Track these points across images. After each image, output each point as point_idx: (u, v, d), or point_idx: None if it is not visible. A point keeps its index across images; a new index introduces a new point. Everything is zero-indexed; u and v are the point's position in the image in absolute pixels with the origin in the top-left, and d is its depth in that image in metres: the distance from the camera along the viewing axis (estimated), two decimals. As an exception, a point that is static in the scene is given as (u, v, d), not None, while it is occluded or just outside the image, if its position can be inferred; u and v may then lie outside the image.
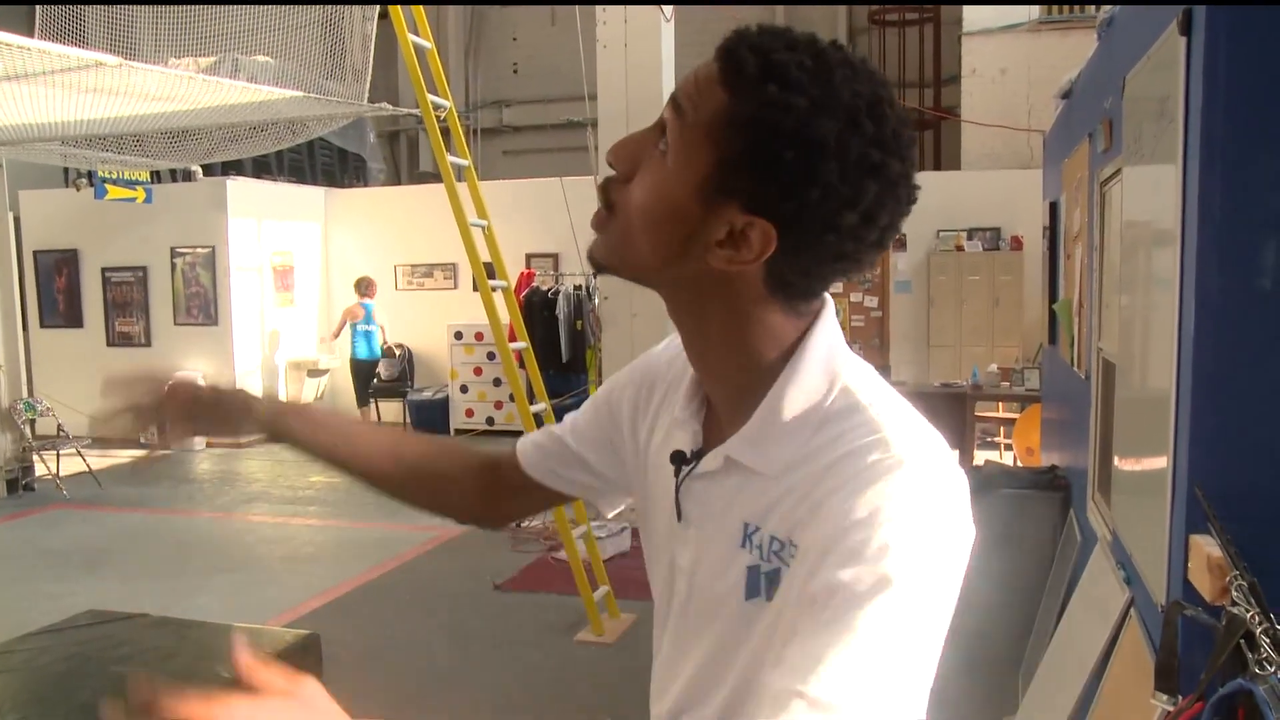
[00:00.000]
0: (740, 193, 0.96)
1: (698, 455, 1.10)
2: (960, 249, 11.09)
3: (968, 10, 12.62)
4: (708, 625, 1.10)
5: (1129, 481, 2.86)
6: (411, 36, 5.17)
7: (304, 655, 4.70)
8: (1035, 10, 12.09)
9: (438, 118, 5.26)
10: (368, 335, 11.74)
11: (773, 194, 0.95)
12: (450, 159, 5.25)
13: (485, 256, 5.47)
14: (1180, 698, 1.84)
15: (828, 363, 1.04)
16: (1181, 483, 2.16)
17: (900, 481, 0.93)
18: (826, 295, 1.07)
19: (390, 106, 6.42)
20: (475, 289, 12.02)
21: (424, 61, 5.30)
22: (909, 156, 0.98)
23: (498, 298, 5.41)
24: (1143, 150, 2.67)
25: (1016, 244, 10.94)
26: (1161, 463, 2.31)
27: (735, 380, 1.07)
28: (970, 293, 10.97)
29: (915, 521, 0.92)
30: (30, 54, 4.42)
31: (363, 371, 11.84)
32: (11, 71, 4.68)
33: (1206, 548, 1.98)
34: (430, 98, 5.23)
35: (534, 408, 5.34)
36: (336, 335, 11.97)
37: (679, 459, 1.11)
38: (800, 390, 1.02)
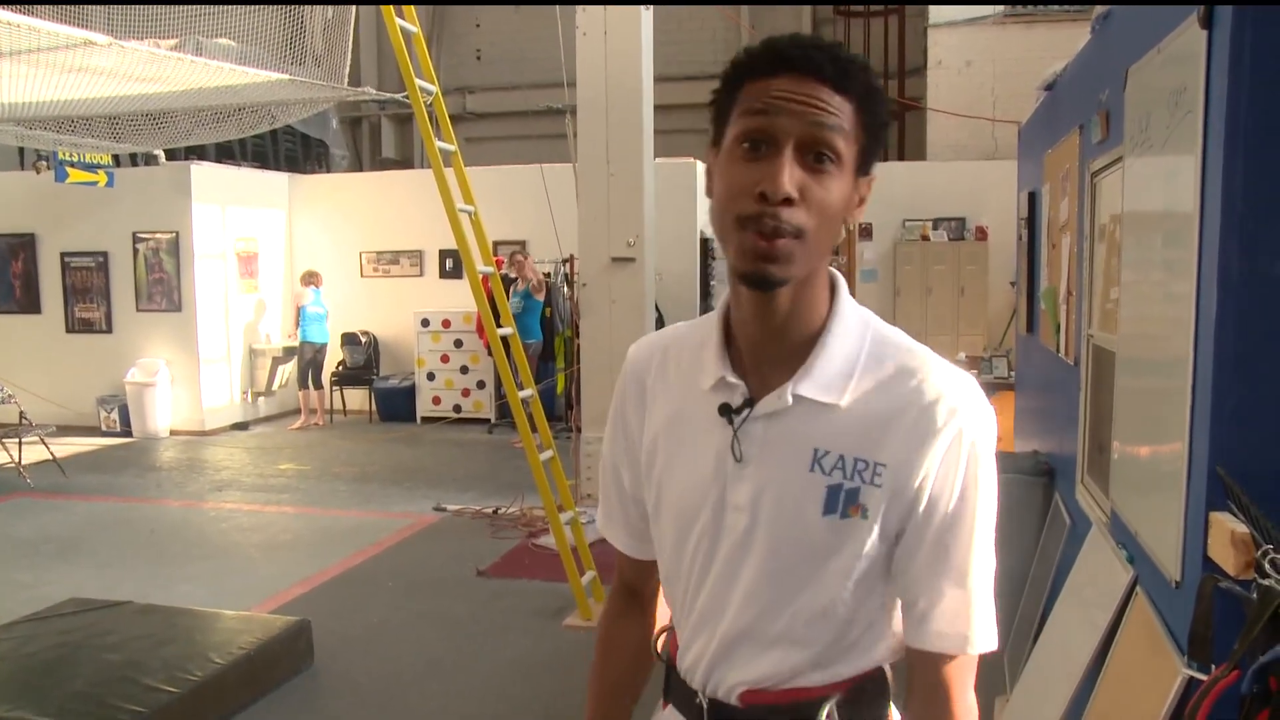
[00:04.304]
0: (865, 167, 1.26)
1: (749, 404, 1.31)
2: (926, 238, 11.22)
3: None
4: (777, 546, 1.31)
5: (1133, 464, 2.93)
6: (398, 21, 5.15)
7: (296, 642, 4.71)
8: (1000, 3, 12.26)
9: (424, 103, 5.24)
10: (316, 318, 11.72)
11: (872, 158, 1.27)
12: (438, 144, 5.23)
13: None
14: (1213, 667, 1.90)
15: (859, 312, 1.33)
16: (1200, 463, 2.23)
17: (960, 406, 1.25)
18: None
19: (373, 90, 6.37)
20: (442, 276, 12.16)
21: (410, 46, 5.27)
22: None
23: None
24: (1151, 141, 2.74)
25: (981, 234, 11.10)
26: (1175, 444, 2.38)
27: (799, 335, 1.31)
28: (936, 282, 11.12)
29: (986, 433, 1.26)
30: (19, 30, 4.33)
31: (305, 354, 11.78)
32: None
33: (1229, 524, 2.05)
34: (416, 82, 5.20)
35: (521, 394, 5.34)
36: (295, 326, 11.90)
37: (729, 411, 1.32)
38: (846, 332, 1.30)
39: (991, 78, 12.13)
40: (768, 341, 1.31)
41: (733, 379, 1.33)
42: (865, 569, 1.30)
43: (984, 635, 1.29)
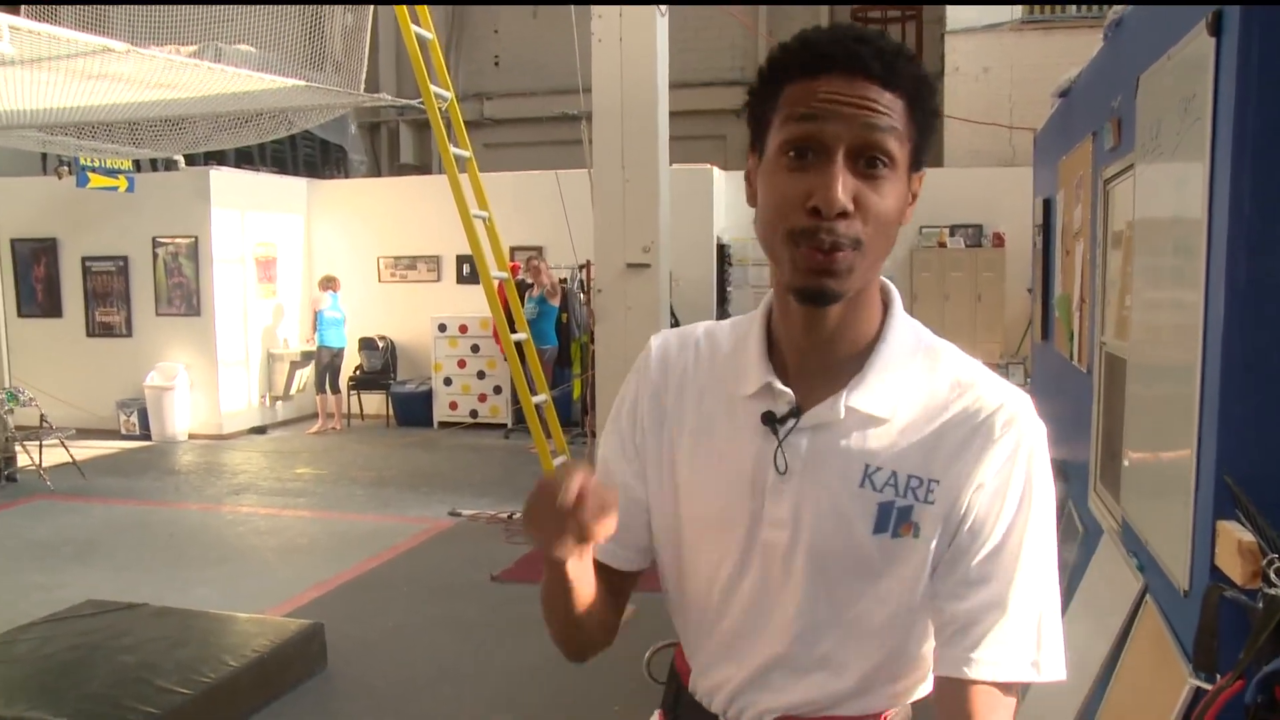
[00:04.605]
0: (918, 163, 1.19)
1: (795, 414, 1.23)
2: (943, 245, 11.19)
3: (951, 9, 12.73)
4: (821, 565, 1.23)
5: (1143, 472, 2.92)
6: (414, 28, 5.18)
7: (309, 645, 4.73)
8: (1018, 10, 12.22)
9: (439, 109, 5.27)
10: (333, 323, 11.79)
11: (925, 153, 1.20)
12: (452, 150, 5.26)
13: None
14: (1218, 676, 1.90)
15: (911, 324, 1.28)
16: (1208, 471, 2.22)
17: (1016, 418, 1.20)
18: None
19: (389, 97, 6.41)
20: (459, 281, 12.21)
21: (426, 52, 5.30)
22: None
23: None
24: (1161, 147, 2.73)
25: (998, 240, 11.06)
26: (1184, 452, 2.37)
27: (851, 346, 1.24)
28: (953, 289, 11.08)
29: (1042, 449, 1.20)
30: (40, 39, 4.39)
31: (322, 359, 11.85)
32: (14, 57, 4.64)
33: (1236, 533, 2.04)
34: (432, 88, 5.23)
35: (535, 399, 5.36)
36: (313, 331, 11.98)
37: (773, 419, 1.23)
38: (900, 345, 1.24)
39: (1009, 84, 12.10)
40: (816, 351, 1.24)
41: (779, 386, 1.24)
42: (917, 592, 1.22)
43: (1015, 662, 1.17)
